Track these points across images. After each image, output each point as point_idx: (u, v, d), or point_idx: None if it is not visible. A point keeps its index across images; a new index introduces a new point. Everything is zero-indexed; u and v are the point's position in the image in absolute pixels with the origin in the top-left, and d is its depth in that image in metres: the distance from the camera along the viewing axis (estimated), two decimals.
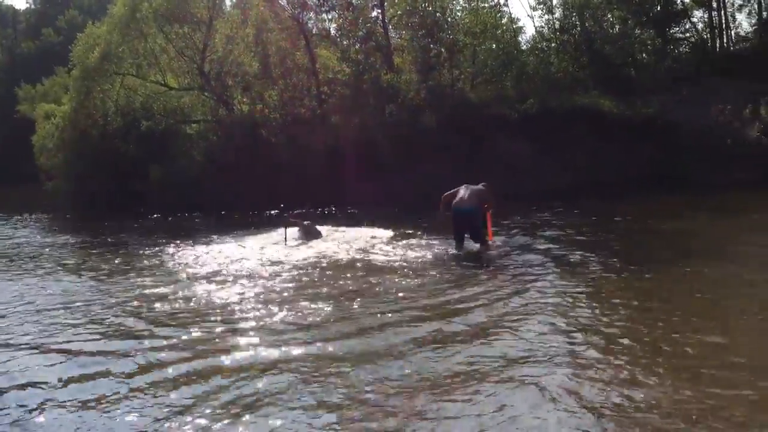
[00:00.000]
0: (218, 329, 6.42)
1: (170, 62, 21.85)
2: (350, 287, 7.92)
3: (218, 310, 7.14)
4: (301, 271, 9.03)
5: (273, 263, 9.71)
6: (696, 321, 5.90)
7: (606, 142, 17.23)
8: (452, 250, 9.78)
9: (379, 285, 7.92)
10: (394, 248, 10.35)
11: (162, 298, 7.83)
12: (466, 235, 9.96)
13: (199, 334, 6.30)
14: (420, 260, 9.36)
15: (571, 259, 8.82)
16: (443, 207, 10.10)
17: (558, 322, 6.09)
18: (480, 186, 10.10)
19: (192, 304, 7.50)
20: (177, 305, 7.47)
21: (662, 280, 7.51)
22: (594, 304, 6.67)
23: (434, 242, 10.58)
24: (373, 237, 11.52)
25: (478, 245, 9.84)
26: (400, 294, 7.43)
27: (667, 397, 4.34)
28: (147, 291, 8.27)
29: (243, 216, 16.18)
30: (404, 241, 10.89)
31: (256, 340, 6.02)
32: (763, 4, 21.98)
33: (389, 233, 11.71)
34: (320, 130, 18.94)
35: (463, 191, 9.97)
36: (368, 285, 8.02)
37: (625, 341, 5.44)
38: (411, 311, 6.71)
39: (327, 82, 20.25)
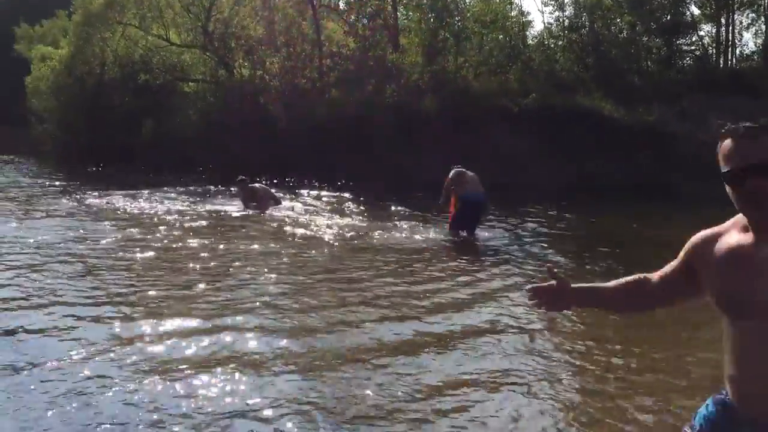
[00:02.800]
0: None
1: (174, 17, 21.59)
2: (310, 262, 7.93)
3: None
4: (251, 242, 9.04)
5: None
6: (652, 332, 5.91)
7: (603, 146, 17.23)
8: (451, 236, 9.71)
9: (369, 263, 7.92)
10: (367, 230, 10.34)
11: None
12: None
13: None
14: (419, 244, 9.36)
15: (556, 257, 8.84)
16: (447, 190, 9.82)
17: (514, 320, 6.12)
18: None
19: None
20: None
21: None
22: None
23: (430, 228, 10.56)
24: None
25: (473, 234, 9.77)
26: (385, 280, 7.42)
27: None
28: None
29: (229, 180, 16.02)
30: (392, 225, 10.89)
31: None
32: None
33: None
34: (319, 102, 18.83)
35: (470, 176, 9.73)
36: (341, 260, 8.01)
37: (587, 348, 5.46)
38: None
39: (330, 55, 20.09)
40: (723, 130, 1.78)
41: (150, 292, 6.27)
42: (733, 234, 1.78)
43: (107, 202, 12.06)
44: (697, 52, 22.96)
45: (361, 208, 12.38)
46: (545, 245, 9.58)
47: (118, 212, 11.09)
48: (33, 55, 25.32)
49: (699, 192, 15.58)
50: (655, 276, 2.06)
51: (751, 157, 1.69)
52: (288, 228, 10.15)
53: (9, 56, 31.07)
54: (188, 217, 10.66)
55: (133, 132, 19.75)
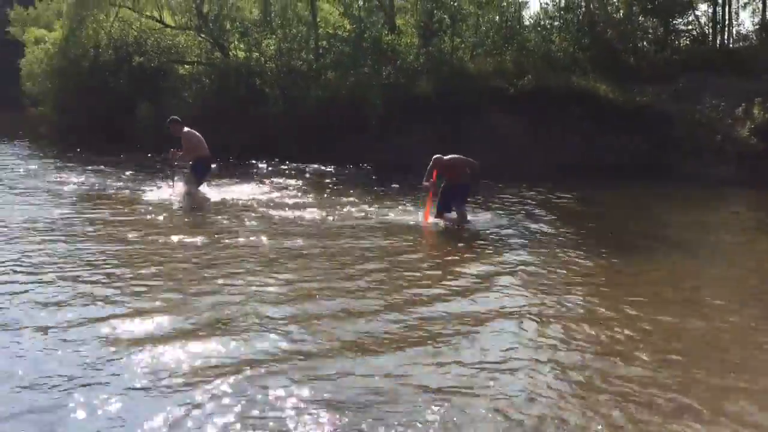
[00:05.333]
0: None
1: None
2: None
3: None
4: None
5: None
6: (652, 304, 6.05)
7: (598, 127, 17.26)
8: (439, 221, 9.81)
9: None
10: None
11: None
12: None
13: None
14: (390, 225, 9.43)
15: (549, 238, 8.93)
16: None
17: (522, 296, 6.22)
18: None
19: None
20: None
21: (633, 266, 7.63)
22: (561, 281, 6.81)
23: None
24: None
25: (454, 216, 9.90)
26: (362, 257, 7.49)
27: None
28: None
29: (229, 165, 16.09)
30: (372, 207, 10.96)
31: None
32: (767, 3, 21.96)
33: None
34: (315, 85, 18.77)
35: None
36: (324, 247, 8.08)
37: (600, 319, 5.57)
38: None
39: (326, 37, 19.99)
40: None
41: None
42: None
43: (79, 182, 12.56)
44: (694, 32, 22.89)
45: (356, 190, 12.43)
46: (541, 228, 9.65)
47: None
48: (27, 38, 25.16)
49: (694, 172, 15.72)
50: None
51: None
52: (278, 209, 10.19)
53: (1, 39, 30.89)
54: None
55: (129, 114, 19.69)
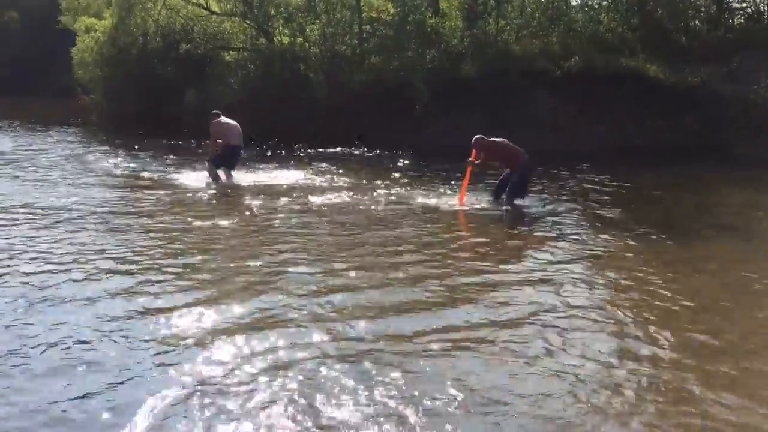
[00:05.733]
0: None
1: None
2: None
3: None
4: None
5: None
6: (715, 296, 5.91)
7: (647, 108, 16.90)
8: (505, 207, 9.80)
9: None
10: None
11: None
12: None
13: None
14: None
15: (598, 222, 8.80)
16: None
17: (574, 285, 6.15)
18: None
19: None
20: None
21: (685, 249, 7.47)
22: (612, 262, 6.73)
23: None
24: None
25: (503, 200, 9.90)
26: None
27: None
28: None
29: (275, 149, 16.24)
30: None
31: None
32: None
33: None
34: (359, 70, 18.76)
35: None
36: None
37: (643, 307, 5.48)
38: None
39: (370, 21, 19.93)
40: None
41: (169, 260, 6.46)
42: None
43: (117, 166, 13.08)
44: (748, 10, 22.11)
45: (400, 174, 12.43)
46: (590, 211, 9.52)
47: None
48: (78, 26, 25.69)
49: (747, 154, 15.25)
50: None
51: None
52: (321, 194, 10.26)
53: (51, 29, 31.59)
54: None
55: (177, 101, 20.02)
